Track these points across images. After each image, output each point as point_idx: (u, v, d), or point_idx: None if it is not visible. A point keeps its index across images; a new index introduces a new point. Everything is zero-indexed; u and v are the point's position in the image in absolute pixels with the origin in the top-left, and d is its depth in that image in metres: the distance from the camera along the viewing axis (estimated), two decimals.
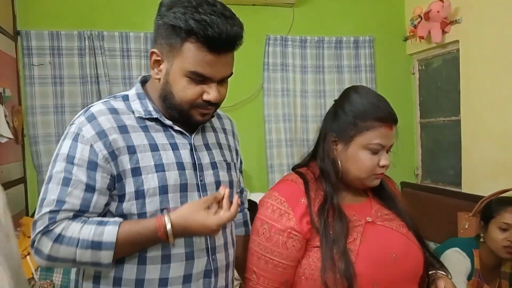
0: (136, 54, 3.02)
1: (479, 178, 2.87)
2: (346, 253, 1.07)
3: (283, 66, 3.31)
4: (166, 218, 0.99)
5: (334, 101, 1.24)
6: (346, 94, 1.20)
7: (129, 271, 1.05)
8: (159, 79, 1.08)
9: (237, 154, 1.33)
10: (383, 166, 1.14)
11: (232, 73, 1.11)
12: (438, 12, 2.97)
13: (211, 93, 1.05)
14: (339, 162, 1.16)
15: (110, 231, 0.98)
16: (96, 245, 0.97)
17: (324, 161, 1.18)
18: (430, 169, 3.61)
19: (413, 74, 3.66)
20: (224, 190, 1.04)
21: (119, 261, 1.04)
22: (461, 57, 3.03)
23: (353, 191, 1.21)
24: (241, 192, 1.38)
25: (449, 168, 3.33)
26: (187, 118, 1.09)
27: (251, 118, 3.35)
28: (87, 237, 0.97)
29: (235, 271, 1.31)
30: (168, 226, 0.98)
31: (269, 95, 3.30)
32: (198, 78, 1.03)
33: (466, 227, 2.51)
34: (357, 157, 1.14)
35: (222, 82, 1.09)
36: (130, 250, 1.02)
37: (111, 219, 1.02)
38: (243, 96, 3.30)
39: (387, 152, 1.15)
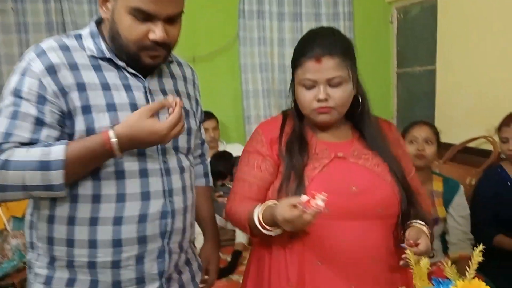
0: None
1: (453, 126, 2.92)
2: (300, 177, 1.15)
3: (260, 13, 3.21)
4: (111, 131, 0.97)
5: None
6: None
7: (83, 210, 1.04)
8: (108, 18, 1.05)
9: (197, 104, 1.29)
10: (319, 100, 1.15)
11: (182, 11, 1.07)
12: None
13: (157, 32, 1.00)
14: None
15: (57, 150, 0.95)
16: (45, 166, 0.94)
17: (292, 101, 1.27)
18: (404, 119, 3.66)
19: (391, 23, 3.61)
20: (172, 97, 1.02)
21: (73, 199, 1.03)
22: (439, 5, 3.00)
23: (334, 129, 1.24)
24: (201, 143, 1.38)
25: (423, 117, 3.34)
26: (136, 60, 1.05)
27: (226, 68, 3.29)
28: (34, 158, 0.94)
29: (196, 225, 1.31)
30: (112, 135, 0.96)
31: (245, 44, 3.22)
32: (142, 16, 0.99)
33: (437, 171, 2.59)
34: (298, 94, 1.19)
35: (172, 21, 1.04)
36: (81, 168, 1.00)
37: (58, 141, 0.99)
38: (217, 45, 3.22)
39: (333, 86, 1.15)
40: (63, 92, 1.00)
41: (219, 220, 2.74)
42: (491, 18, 2.58)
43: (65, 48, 1.04)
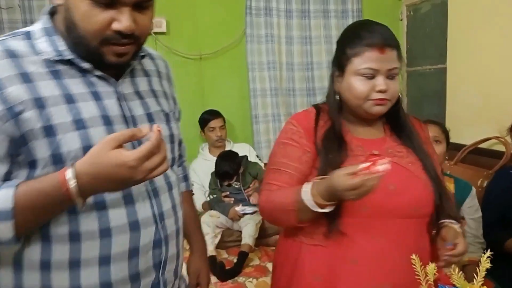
0: None
1: (463, 126, 2.87)
2: None
3: (267, 10, 3.18)
4: (70, 169, 0.76)
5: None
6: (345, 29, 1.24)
7: (60, 251, 0.84)
8: (61, 5, 0.84)
9: (174, 102, 1.11)
10: (379, 91, 1.12)
11: None
12: None
13: (122, 21, 0.80)
14: (339, 94, 1.21)
15: (4, 196, 0.76)
16: None
17: (329, 94, 1.23)
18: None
19: (401, 20, 3.55)
20: (149, 127, 0.79)
21: (45, 239, 0.84)
22: (449, 2, 2.93)
23: (368, 125, 1.23)
24: (179, 144, 1.16)
25: (434, 116, 3.31)
26: (98, 58, 0.84)
27: (233, 66, 3.26)
28: None
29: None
30: (70, 175, 0.75)
31: (252, 41, 3.18)
32: (104, 0, 0.79)
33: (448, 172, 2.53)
34: (351, 85, 1.15)
35: (141, 7, 0.84)
36: (34, 217, 0.79)
37: (6, 183, 0.79)
38: (224, 43, 3.19)
39: (390, 78, 1.14)
40: (13, 114, 0.79)
41: (225, 220, 2.73)
42: (502, 17, 2.51)
43: (11, 54, 0.82)
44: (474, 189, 2.04)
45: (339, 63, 1.18)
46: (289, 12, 3.23)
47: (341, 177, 0.98)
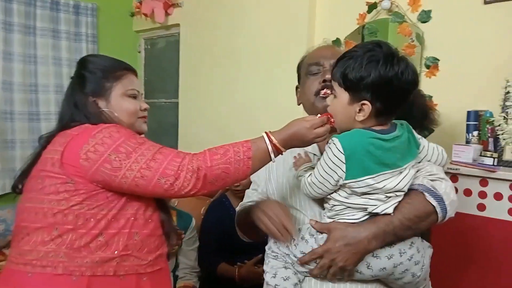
0: None
1: None
2: None
3: None
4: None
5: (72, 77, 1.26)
6: (84, 60, 1.25)
7: None
8: None
9: None
10: (145, 109, 1.24)
11: None
12: None
13: None
14: (108, 116, 1.18)
15: None
16: None
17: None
18: None
19: (139, 52, 3.59)
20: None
21: None
22: (181, 41, 3.12)
23: None
24: None
25: (170, 146, 3.41)
26: None
27: None
28: None
29: None
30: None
31: None
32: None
33: (176, 204, 2.59)
34: (122, 105, 1.19)
35: None
36: None
37: None
38: None
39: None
40: None
41: None
42: (225, 60, 2.82)
43: None
44: (194, 221, 2.13)
45: (101, 88, 1.19)
46: (10, 25, 2.80)
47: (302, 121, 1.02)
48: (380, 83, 0.94)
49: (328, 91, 1.11)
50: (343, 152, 0.95)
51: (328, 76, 1.12)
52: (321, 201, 1.10)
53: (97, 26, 3.25)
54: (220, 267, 2.03)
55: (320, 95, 1.14)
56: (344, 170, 0.96)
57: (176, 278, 2.02)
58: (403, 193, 1.01)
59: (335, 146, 0.97)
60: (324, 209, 1.08)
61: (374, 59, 0.95)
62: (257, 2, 2.62)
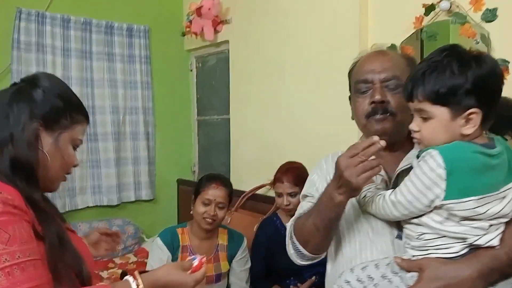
0: None
1: (244, 174, 2.99)
2: None
3: (39, 47, 2.81)
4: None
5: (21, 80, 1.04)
6: (39, 77, 1.01)
7: None
8: None
9: None
10: (74, 166, 1.04)
11: None
12: (209, 9, 2.98)
13: None
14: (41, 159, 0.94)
15: None
16: None
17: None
18: (205, 166, 3.64)
19: (191, 70, 3.63)
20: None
21: None
22: (230, 57, 3.11)
23: None
24: None
25: (221, 165, 3.41)
26: None
27: None
28: None
29: None
30: None
31: (19, 78, 2.74)
32: None
33: (228, 222, 2.55)
34: (65, 153, 0.99)
35: None
36: None
37: None
38: None
39: None
40: None
41: None
42: (273, 74, 2.77)
43: None
44: (246, 240, 2.06)
45: (57, 120, 0.97)
46: (67, 51, 2.93)
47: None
48: (482, 84, 0.82)
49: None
50: (444, 167, 0.81)
51: (378, 97, 1.02)
52: (394, 225, 0.95)
53: (150, 47, 3.33)
54: None
55: (375, 118, 1.04)
56: (444, 188, 0.82)
57: None
58: (506, 220, 0.85)
59: (432, 159, 0.83)
60: (399, 236, 0.94)
61: (464, 61, 0.83)
62: (304, 11, 2.55)
